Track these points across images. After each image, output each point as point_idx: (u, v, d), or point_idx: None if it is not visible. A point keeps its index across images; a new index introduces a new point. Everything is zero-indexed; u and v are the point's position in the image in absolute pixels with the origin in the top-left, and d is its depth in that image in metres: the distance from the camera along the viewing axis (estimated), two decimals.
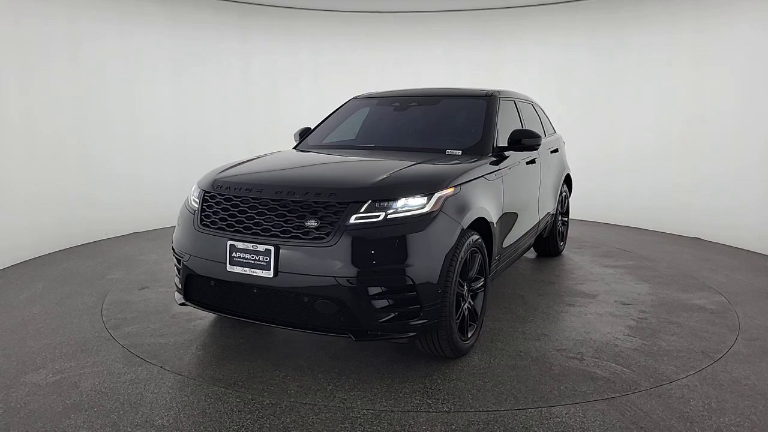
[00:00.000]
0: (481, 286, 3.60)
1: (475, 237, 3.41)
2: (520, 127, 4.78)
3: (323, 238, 2.99)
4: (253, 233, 3.15)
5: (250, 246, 3.11)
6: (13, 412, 2.83)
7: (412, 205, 3.09)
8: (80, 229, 6.51)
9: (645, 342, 3.76)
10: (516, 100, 5.04)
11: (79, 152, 6.47)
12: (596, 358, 3.50)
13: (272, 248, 3.05)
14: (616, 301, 4.59)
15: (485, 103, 4.48)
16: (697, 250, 6.46)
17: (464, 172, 3.53)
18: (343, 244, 2.94)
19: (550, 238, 5.84)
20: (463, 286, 3.37)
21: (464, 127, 4.45)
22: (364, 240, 2.96)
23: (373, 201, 3.05)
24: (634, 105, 7.62)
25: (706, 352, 3.61)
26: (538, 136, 4.18)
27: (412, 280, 2.96)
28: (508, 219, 4.17)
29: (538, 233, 5.29)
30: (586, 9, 7.91)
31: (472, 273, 3.48)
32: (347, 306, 2.95)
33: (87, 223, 6.58)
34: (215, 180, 3.54)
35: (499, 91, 4.69)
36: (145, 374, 3.24)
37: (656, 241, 6.92)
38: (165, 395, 3.00)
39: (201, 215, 3.42)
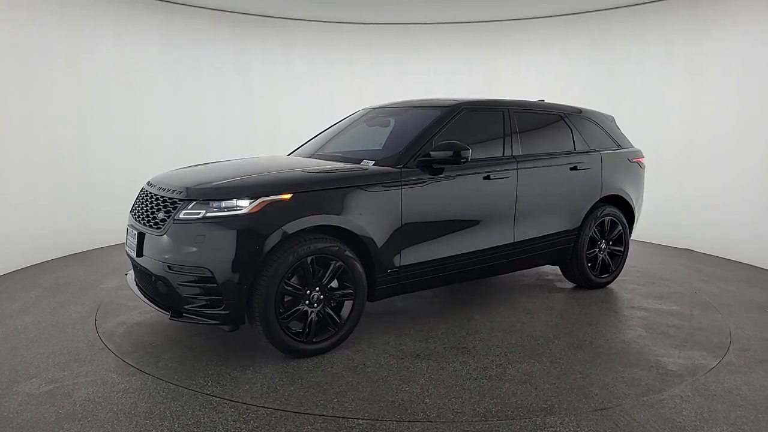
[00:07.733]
0: (348, 294, 3.66)
1: (323, 245, 3.49)
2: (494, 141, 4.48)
3: (160, 228, 3.46)
4: (137, 221, 3.74)
5: (131, 230, 3.79)
6: (5, 421, 2.82)
7: (235, 206, 3.35)
8: (74, 238, 6.48)
9: (486, 384, 3.30)
10: (510, 110, 4.63)
11: (75, 161, 6.46)
12: (401, 381, 3.30)
13: (137, 233, 3.64)
14: (564, 342, 3.92)
15: (437, 113, 4.32)
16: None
17: (315, 180, 3.61)
18: (169, 234, 3.40)
19: (574, 266, 5.07)
20: (303, 290, 3.49)
21: (404, 138, 4.22)
22: (179, 233, 3.38)
23: (203, 200, 3.40)
24: (633, 113, 7.68)
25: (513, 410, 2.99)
26: (465, 149, 3.87)
27: (211, 272, 3.27)
28: (419, 233, 3.97)
29: (529, 257, 4.74)
30: (584, 22, 7.99)
31: (322, 280, 3.53)
32: (168, 288, 3.40)
33: (81, 231, 6.55)
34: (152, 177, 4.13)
35: (465, 102, 4.45)
36: (139, 384, 3.23)
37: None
38: (159, 405, 2.99)
39: (133, 205, 4.00)
